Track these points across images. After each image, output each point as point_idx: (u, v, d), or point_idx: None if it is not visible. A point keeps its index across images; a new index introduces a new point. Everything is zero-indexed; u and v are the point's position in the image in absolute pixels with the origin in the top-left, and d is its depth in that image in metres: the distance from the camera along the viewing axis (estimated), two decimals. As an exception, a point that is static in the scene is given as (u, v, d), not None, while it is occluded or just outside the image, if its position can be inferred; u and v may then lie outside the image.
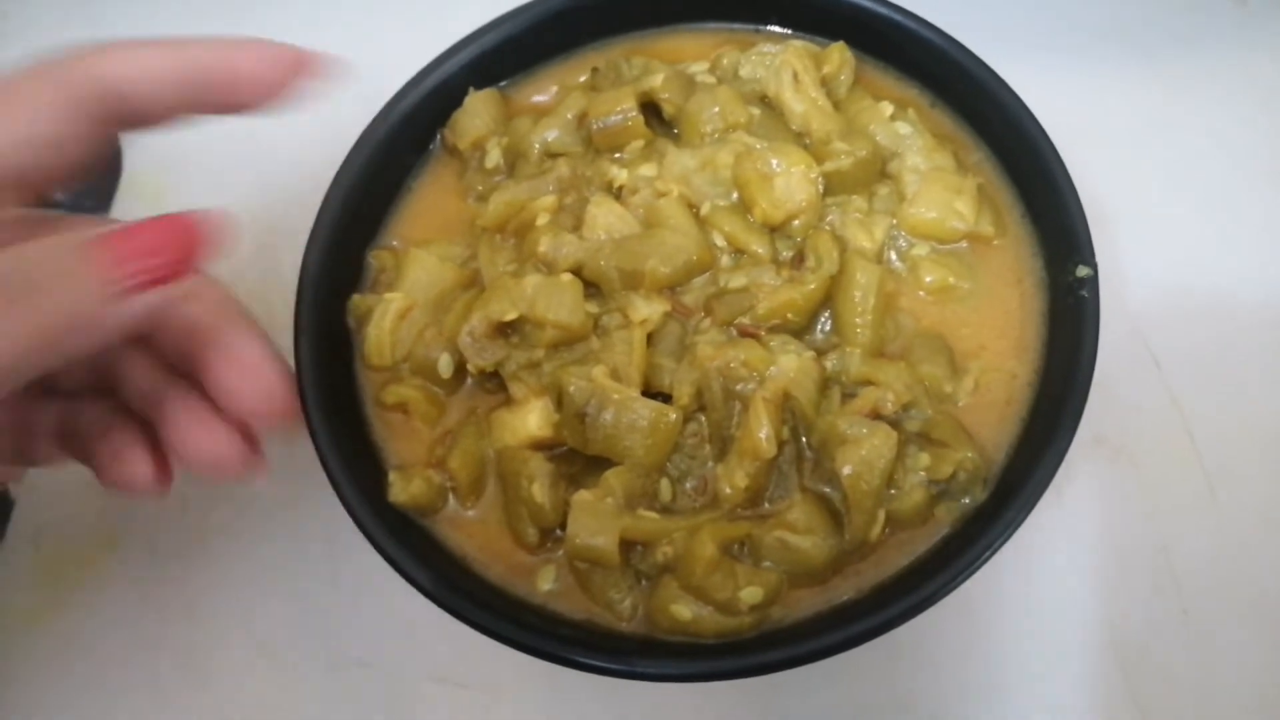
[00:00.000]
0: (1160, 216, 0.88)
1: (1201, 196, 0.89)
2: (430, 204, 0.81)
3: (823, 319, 0.72)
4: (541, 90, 0.84)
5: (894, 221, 0.74)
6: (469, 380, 0.74)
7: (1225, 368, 0.83)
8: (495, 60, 0.82)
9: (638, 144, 0.75)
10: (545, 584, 0.69)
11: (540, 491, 0.67)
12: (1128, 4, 0.98)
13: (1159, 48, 0.96)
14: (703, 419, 0.69)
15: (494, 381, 0.72)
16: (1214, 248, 0.87)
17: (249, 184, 0.94)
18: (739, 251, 0.72)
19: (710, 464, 0.68)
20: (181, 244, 0.54)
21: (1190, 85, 0.94)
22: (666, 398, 0.68)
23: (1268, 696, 0.74)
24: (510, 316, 0.68)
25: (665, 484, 0.68)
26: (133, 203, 0.95)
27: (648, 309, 0.69)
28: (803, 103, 0.75)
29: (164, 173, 0.96)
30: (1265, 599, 0.76)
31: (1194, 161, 0.91)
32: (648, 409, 0.66)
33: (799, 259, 0.71)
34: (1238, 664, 0.75)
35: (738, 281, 0.70)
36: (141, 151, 0.97)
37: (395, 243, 0.80)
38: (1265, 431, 0.81)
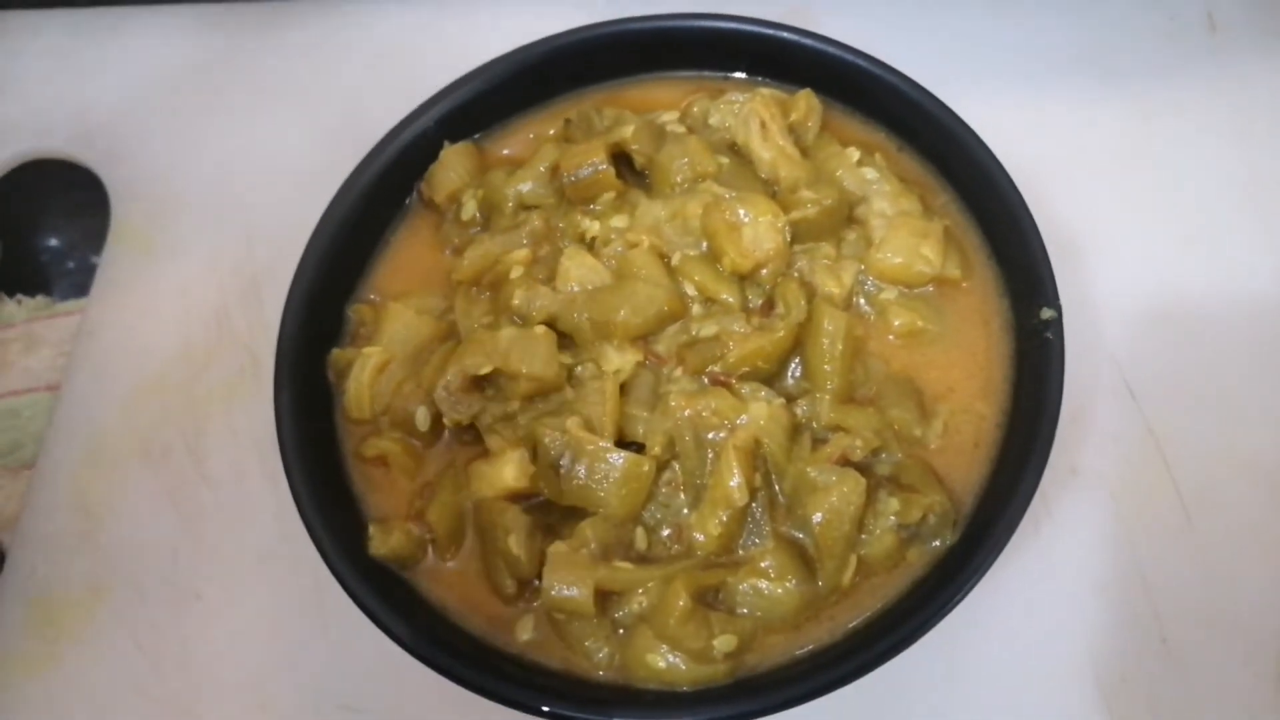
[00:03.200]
0: (1134, 247, 0.89)
1: (1175, 226, 0.90)
2: (408, 257, 0.83)
3: (793, 365, 0.73)
4: (515, 142, 0.86)
5: (862, 267, 0.75)
6: (447, 433, 0.75)
7: (1200, 396, 0.84)
8: (469, 113, 0.84)
9: (609, 195, 0.77)
10: (524, 634, 0.69)
11: (516, 543, 0.68)
12: (1098, 35, 0.99)
13: (1131, 78, 0.97)
14: (676, 468, 0.70)
15: (471, 434, 0.73)
16: (1188, 277, 0.88)
17: (235, 232, 0.96)
18: (709, 300, 0.73)
19: (684, 512, 0.69)
20: None
21: (1163, 114, 0.95)
22: (640, 448, 0.69)
23: (1247, 721, 0.74)
24: (485, 370, 0.70)
25: (640, 533, 0.69)
26: (122, 251, 0.96)
27: (620, 359, 0.71)
28: (770, 150, 0.77)
29: (152, 223, 0.97)
30: (1243, 625, 0.77)
31: (1167, 190, 0.92)
32: (621, 459, 0.67)
33: (768, 306, 0.73)
34: (1217, 689, 0.75)
35: (709, 330, 0.71)
36: (130, 202, 0.98)
37: (374, 296, 0.81)
38: (1241, 458, 0.82)
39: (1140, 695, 0.75)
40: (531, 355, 0.70)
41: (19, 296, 1.00)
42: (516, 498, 0.71)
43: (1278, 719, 0.74)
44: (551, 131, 0.85)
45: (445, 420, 0.72)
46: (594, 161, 0.76)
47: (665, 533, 0.69)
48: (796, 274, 0.74)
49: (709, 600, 0.68)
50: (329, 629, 0.80)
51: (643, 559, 0.69)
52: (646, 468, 0.68)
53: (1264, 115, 0.95)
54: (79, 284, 1.00)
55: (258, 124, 1.01)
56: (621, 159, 0.79)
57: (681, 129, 0.80)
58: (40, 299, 1.01)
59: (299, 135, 0.99)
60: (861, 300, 0.76)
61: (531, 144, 0.85)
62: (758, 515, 0.69)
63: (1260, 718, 0.74)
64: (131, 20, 1.08)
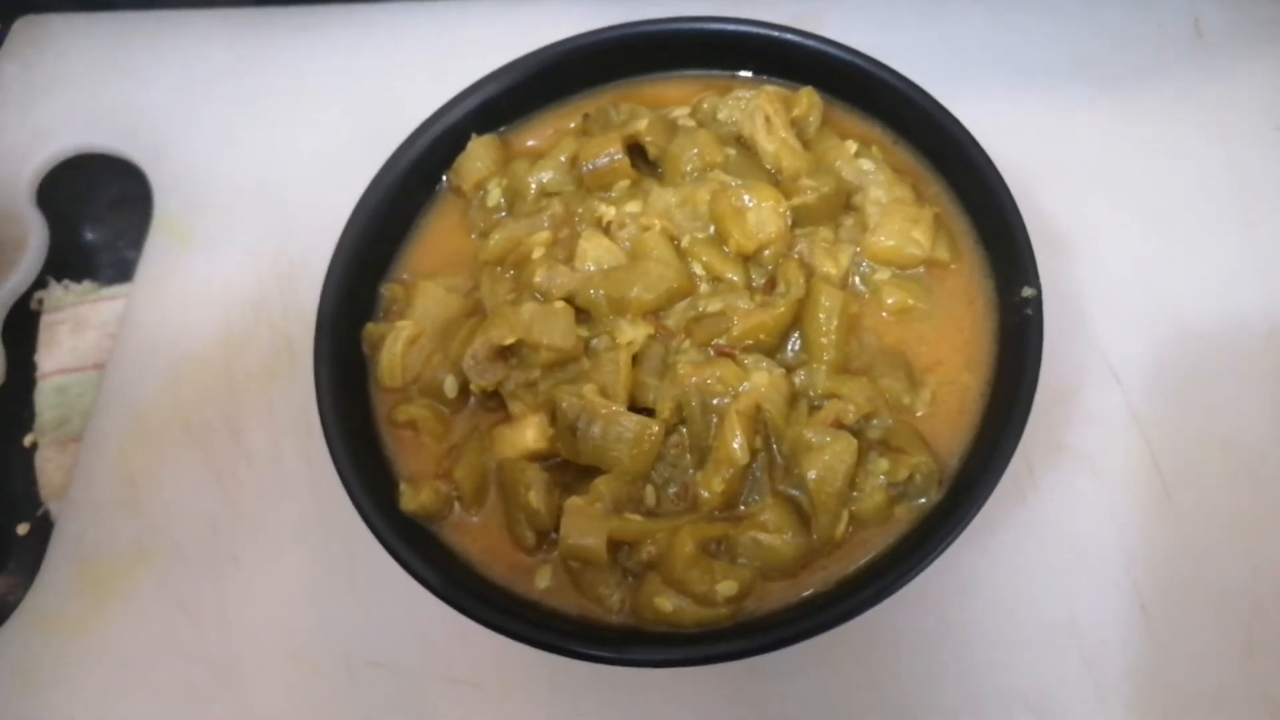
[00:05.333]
0: (1119, 243, 0.92)
1: (1160, 222, 0.93)
2: (437, 240, 0.87)
3: (792, 339, 0.77)
4: (537, 134, 0.91)
5: (858, 249, 0.79)
6: (472, 399, 0.79)
7: (1180, 381, 0.87)
8: (495, 108, 0.88)
9: (624, 183, 0.81)
10: (542, 582, 0.74)
11: (537, 498, 0.73)
12: (1088, 40, 1.03)
13: (1121, 80, 1.00)
14: (683, 431, 0.74)
15: (495, 400, 0.78)
16: (1170, 272, 0.91)
17: (271, 223, 1.00)
18: (716, 279, 0.77)
19: (690, 471, 0.74)
20: None
21: (1150, 115, 0.98)
22: (650, 412, 0.74)
23: (1219, 684, 0.78)
24: (509, 341, 0.75)
25: (650, 490, 0.73)
26: (164, 241, 1.00)
27: (633, 332, 0.75)
28: (774, 143, 0.81)
29: (192, 214, 1.01)
30: (1217, 595, 0.80)
31: (1154, 188, 0.95)
32: (633, 422, 0.72)
33: (770, 285, 0.77)
34: (1191, 654, 0.78)
35: (715, 306, 0.76)
36: (172, 195, 1.02)
37: (405, 276, 0.86)
38: (1218, 440, 0.85)
39: (1118, 657, 0.78)
40: (552, 328, 0.74)
41: (66, 282, 1.03)
42: (536, 458, 0.75)
43: (1246, 681, 0.77)
44: (571, 125, 0.89)
45: (472, 387, 0.76)
46: (610, 152, 0.81)
47: (673, 490, 0.74)
48: (797, 255, 0.78)
49: (712, 550, 0.72)
50: (357, 591, 0.84)
51: (651, 514, 0.73)
52: (656, 430, 0.72)
53: (1246, 118, 0.98)
54: (122, 271, 1.03)
55: (292, 122, 1.05)
56: (636, 150, 0.83)
57: (692, 123, 0.84)
58: (86, 284, 1.03)
59: (331, 133, 1.03)
60: (857, 280, 0.80)
61: (552, 136, 0.89)
62: (758, 474, 0.73)
63: (1230, 680, 0.77)
64: (173, 23, 1.12)
